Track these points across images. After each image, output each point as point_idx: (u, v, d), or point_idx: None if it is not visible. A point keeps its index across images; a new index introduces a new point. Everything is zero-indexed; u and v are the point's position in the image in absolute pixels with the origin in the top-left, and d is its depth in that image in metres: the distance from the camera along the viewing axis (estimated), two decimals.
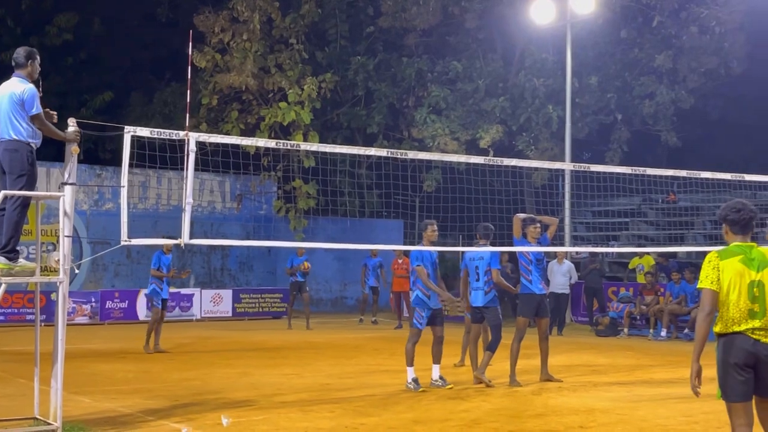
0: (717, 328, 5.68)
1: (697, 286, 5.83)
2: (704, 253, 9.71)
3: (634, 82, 26.39)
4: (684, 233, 24.85)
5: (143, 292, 21.22)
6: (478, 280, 11.34)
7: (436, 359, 10.87)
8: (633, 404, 9.57)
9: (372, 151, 11.54)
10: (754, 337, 5.56)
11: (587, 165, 13.68)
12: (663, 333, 18.35)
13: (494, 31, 27.40)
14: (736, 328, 5.60)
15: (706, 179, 14.43)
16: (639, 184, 18.36)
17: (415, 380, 10.50)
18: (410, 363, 10.61)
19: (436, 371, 10.85)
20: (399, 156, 11.35)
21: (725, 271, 5.65)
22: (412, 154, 11.94)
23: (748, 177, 13.65)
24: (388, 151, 11.31)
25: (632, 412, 9.07)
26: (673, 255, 22.06)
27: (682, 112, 26.95)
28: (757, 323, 5.58)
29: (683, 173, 13.22)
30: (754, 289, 5.62)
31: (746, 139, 29.86)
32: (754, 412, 5.65)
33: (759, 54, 27.37)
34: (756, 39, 27.00)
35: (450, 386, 10.67)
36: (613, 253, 24.78)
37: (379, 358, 14.26)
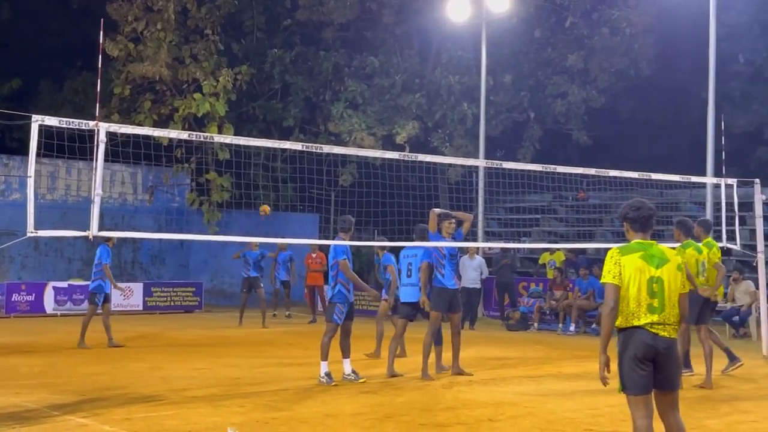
0: (617, 322, 5.84)
1: (600, 281, 6.03)
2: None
3: (547, 81, 26.88)
4: (593, 230, 25.41)
5: (51, 284, 20.77)
6: (410, 276, 11.61)
7: (346, 353, 10.89)
8: (541, 397, 9.75)
9: (287, 145, 11.50)
10: (653, 331, 5.73)
11: (500, 162, 13.90)
12: (572, 327, 18.73)
13: (411, 27, 27.55)
14: (636, 322, 5.76)
15: (615, 177, 14.80)
16: (550, 181, 18.71)
17: (328, 374, 10.51)
18: (325, 357, 10.61)
19: (347, 365, 10.88)
20: (314, 150, 11.33)
21: (626, 266, 5.81)
22: (327, 149, 11.94)
23: (654, 176, 14.05)
24: (303, 145, 11.29)
25: (540, 405, 9.24)
26: (583, 251, 22.55)
27: (593, 112, 27.55)
28: (655, 318, 5.74)
29: (592, 171, 13.53)
30: (654, 285, 5.79)
31: (654, 139, 30.63)
32: (655, 404, 5.82)
33: (667, 56, 28.11)
34: (665, 41, 27.73)
35: (363, 380, 10.71)
36: (524, 249, 25.20)
37: (293, 353, 14.22)
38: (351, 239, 11.31)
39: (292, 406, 9.06)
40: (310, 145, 11.46)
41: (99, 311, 14.45)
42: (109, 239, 14.72)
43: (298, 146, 11.11)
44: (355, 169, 25.41)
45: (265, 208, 14.79)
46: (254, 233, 21.31)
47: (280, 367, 12.35)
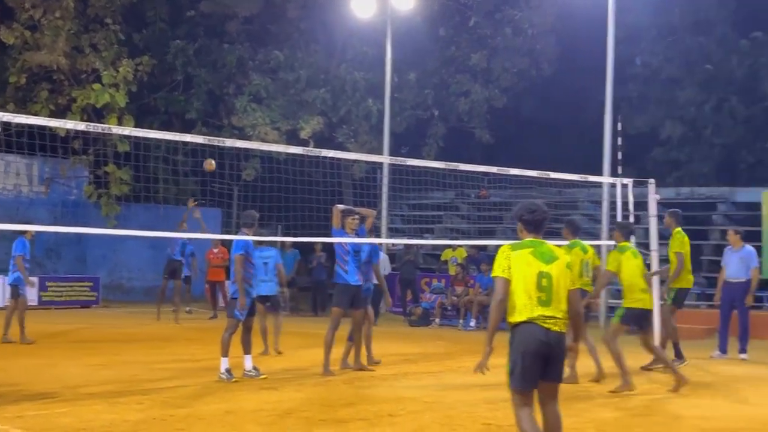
0: (512, 318, 6.01)
1: (491, 275, 6.25)
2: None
3: (451, 80, 27.16)
4: (494, 227, 25.80)
5: None
6: (267, 273, 12.50)
7: (247, 350, 10.80)
8: (441, 392, 9.85)
9: (189, 138, 11.32)
10: (545, 325, 5.94)
11: (404, 159, 13.96)
12: (472, 323, 18.98)
13: (316, 22, 27.45)
14: (528, 315, 5.96)
15: (515, 176, 15.03)
16: (453, 179, 18.88)
17: (228, 371, 10.39)
18: (225, 353, 10.48)
19: (248, 362, 10.78)
20: (217, 143, 11.17)
21: (516, 261, 6.04)
22: (230, 142, 11.77)
23: (553, 175, 14.34)
24: (205, 138, 11.14)
25: (440, 400, 9.33)
26: (484, 248, 22.86)
27: (496, 111, 27.96)
28: (547, 311, 5.96)
29: (494, 169, 13.73)
30: (543, 280, 6.02)
31: (554, 139, 31.25)
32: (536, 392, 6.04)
33: (568, 57, 28.72)
34: (565, 42, 28.32)
35: (264, 376, 10.62)
36: (427, 245, 25.41)
37: (192, 349, 14.01)
38: (254, 235, 11.20)
39: (191, 403, 8.93)
40: (212, 138, 11.32)
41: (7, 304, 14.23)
42: (26, 231, 14.35)
43: (200, 139, 10.95)
44: (258, 163, 25.19)
45: (211, 163, 14.25)
46: (154, 227, 20.88)
47: (179, 363, 12.16)
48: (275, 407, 8.69)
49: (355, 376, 11.08)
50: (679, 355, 12.41)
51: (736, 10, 27.97)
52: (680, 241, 12.76)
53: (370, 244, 11.94)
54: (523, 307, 5.95)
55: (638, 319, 10.44)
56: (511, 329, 6.04)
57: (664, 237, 19.85)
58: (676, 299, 12.65)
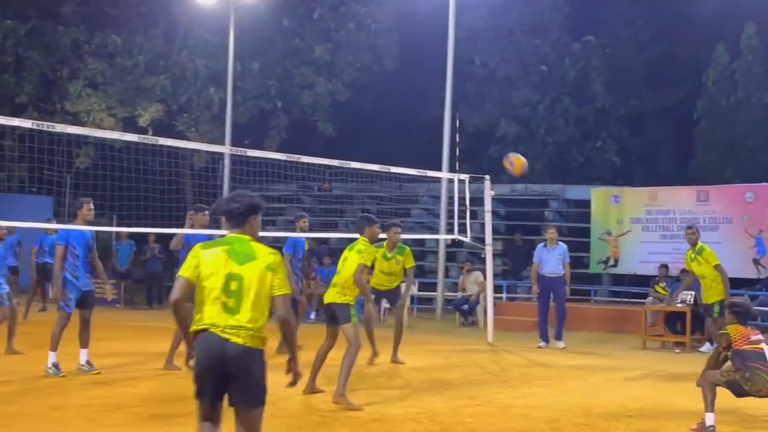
0: (193, 324, 5.21)
1: (176, 275, 5.34)
2: (354, 239, 10.15)
3: (295, 71, 27.06)
4: (336, 220, 25.90)
5: None
6: None
7: (84, 344, 10.41)
8: (273, 386, 9.76)
9: (17, 122, 10.76)
10: (224, 336, 5.06)
11: (246, 150, 13.80)
12: (312, 315, 18.99)
13: (156, 6, 26.76)
14: (208, 322, 5.11)
15: (357, 170, 15.13)
16: (296, 171, 18.79)
17: (56, 365, 9.98)
18: (54, 348, 10.06)
19: (83, 356, 10.40)
20: (47, 129, 10.70)
21: (205, 260, 5.19)
22: (61, 128, 11.30)
23: (394, 169, 14.53)
24: (34, 123, 10.63)
25: (275, 393, 9.24)
26: (326, 241, 22.91)
27: (339, 104, 28.08)
28: (230, 320, 5.10)
29: (336, 163, 13.79)
30: (232, 283, 5.15)
31: (395, 134, 31.69)
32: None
33: (409, 54, 29.16)
34: (407, 40, 28.75)
35: (97, 371, 10.26)
36: (269, 237, 25.23)
37: (17, 344, 13.37)
38: (88, 224, 10.78)
39: (18, 399, 8.53)
40: (42, 123, 10.83)
41: None
42: None
43: (28, 124, 10.44)
44: (93, 150, 24.33)
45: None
46: None
47: (3, 357, 11.60)
48: (105, 402, 8.42)
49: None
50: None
51: (570, 15, 29.16)
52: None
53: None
54: (205, 314, 5.11)
55: None
56: (194, 334, 5.17)
57: (498, 233, 20.48)
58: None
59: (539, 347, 14.65)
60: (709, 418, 7.74)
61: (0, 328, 12.15)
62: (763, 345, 8.22)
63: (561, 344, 14.81)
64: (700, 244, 12.96)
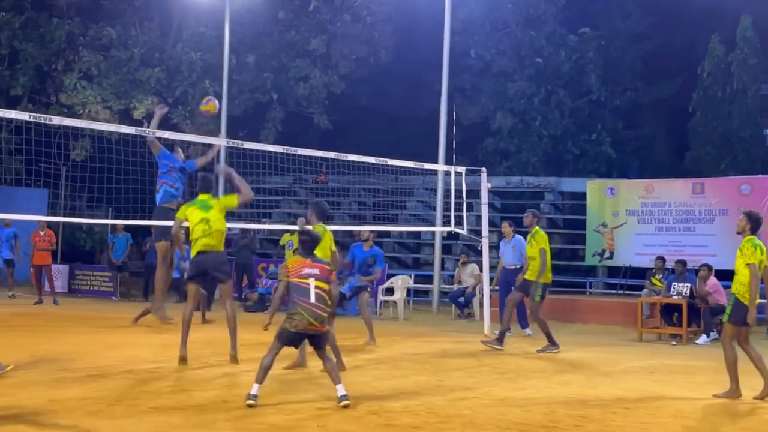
0: None
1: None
2: (348, 232, 10.14)
3: (290, 64, 27.03)
4: (332, 213, 25.84)
5: None
6: None
7: None
8: (273, 377, 9.79)
9: (13, 114, 10.73)
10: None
11: (242, 142, 13.78)
12: None
13: None
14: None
15: (353, 162, 15.14)
16: (291, 163, 18.79)
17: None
18: None
19: None
20: (43, 121, 10.67)
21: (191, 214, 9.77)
22: (57, 120, 11.27)
23: (390, 162, 14.52)
24: (30, 115, 10.60)
25: (273, 385, 9.27)
26: None
27: (334, 97, 28.06)
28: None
29: (332, 155, 13.77)
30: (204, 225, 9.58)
31: (391, 126, 31.71)
32: None
33: (405, 46, 29.16)
34: (403, 32, 28.74)
35: (9, 368, 9.87)
36: (264, 230, 25.23)
37: (15, 336, 13.37)
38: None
39: (14, 391, 8.51)
40: (38, 115, 10.79)
41: None
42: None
43: (24, 116, 10.42)
44: (89, 143, 24.32)
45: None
46: None
47: (2, 350, 11.57)
48: (103, 395, 8.42)
49: (191, 364, 10.84)
50: (553, 343, 12.96)
51: (565, 7, 29.16)
52: (544, 239, 13.19)
53: None
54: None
55: None
56: None
57: (495, 225, 20.52)
58: (543, 295, 13.11)
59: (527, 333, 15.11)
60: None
61: None
62: (311, 280, 8.24)
63: (528, 331, 15.35)
64: (536, 228, 13.39)
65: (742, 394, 9.22)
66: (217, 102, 13.03)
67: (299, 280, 8.27)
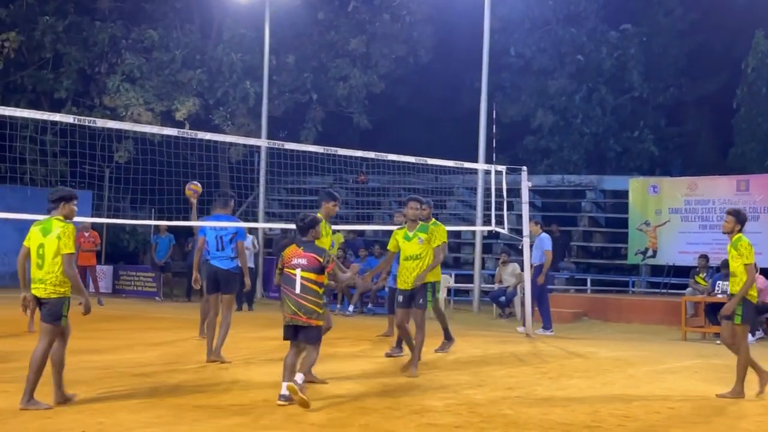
0: None
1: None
2: (389, 232, 10.15)
3: (330, 64, 27.09)
4: (372, 212, 25.94)
5: None
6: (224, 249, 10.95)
7: None
8: (321, 377, 9.82)
9: (58, 117, 10.89)
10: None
11: (282, 143, 13.85)
12: (350, 308, 19.04)
13: (191, 1, 26.97)
14: None
15: (393, 161, 15.15)
16: (331, 163, 18.89)
17: None
18: None
19: None
20: (87, 123, 10.82)
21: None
22: (101, 122, 11.41)
23: (430, 161, 14.50)
24: (75, 118, 10.75)
25: (317, 385, 9.30)
26: (362, 233, 22.96)
27: (374, 96, 28.08)
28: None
29: (372, 155, 13.77)
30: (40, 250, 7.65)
31: (431, 126, 31.66)
32: None
33: (444, 45, 29.09)
34: (442, 31, 28.68)
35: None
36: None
37: None
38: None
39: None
40: (82, 118, 10.94)
41: None
42: None
43: (69, 119, 10.57)
44: (131, 145, 24.59)
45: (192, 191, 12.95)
46: (21, 209, 20.09)
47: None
48: (147, 394, 8.50)
49: (244, 361, 10.94)
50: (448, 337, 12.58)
51: (606, 4, 28.91)
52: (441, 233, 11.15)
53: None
54: None
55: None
56: None
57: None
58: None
59: (537, 332, 15.17)
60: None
61: None
62: (297, 270, 8.13)
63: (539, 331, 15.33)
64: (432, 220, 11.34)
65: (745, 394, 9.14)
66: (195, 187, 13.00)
67: (288, 270, 8.23)
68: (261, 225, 22.13)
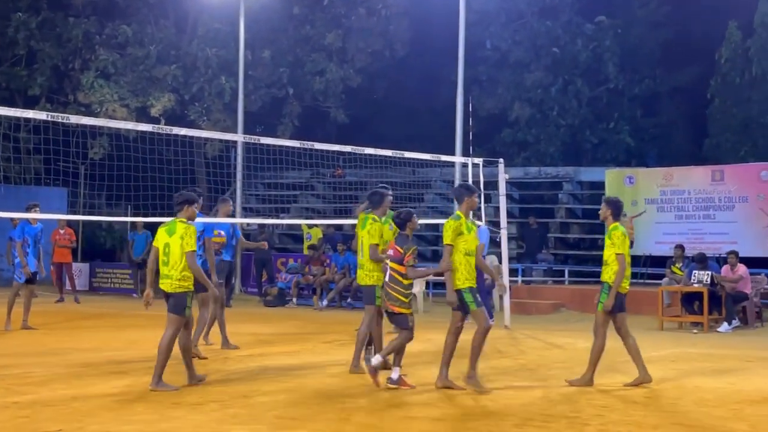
0: None
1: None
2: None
3: (306, 59, 27.02)
4: (350, 206, 25.86)
5: None
6: None
7: None
8: (297, 372, 9.82)
9: (31, 114, 10.82)
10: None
11: (258, 137, 13.82)
12: (323, 303, 19.00)
13: None
14: None
15: (370, 155, 15.14)
16: (308, 158, 18.83)
17: None
18: None
19: None
20: (61, 120, 10.74)
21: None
22: (75, 119, 11.33)
23: (407, 154, 14.53)
24: (49, 115, 10.69)
25: (295, 379, 9.30)
26: (340, 227, 22.94)
27: (350, 90, 28.03)
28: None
29: (348, 149, 13.79)
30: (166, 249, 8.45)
31: (408, 119, 31.63)
32: None
33: (421, 39, 29.07)
34: (418, 25, 28.66)
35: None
36: (283, 225, 25.29)
37: (37, 334, 13.46)
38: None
39: (36, 389, 8.58)
40: (56, 114, 10.87)
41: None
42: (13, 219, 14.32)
43: (42, 116, 10.50)
44: (107, 141, 24.42)
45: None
46: None
47: (24, 347, 11.67)
48: (125, 392, 8.46)
49: (223, 355, 10.91)
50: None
51: None
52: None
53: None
54: None
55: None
56: None
57: (513, 216, 20.47)
58: None
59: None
60: None
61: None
62: (388, 261, 8.73)
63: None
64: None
65: (594, 382, 9.13)
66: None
67: (387, 261, 8.83)
68: (239, 220, 21.96)
